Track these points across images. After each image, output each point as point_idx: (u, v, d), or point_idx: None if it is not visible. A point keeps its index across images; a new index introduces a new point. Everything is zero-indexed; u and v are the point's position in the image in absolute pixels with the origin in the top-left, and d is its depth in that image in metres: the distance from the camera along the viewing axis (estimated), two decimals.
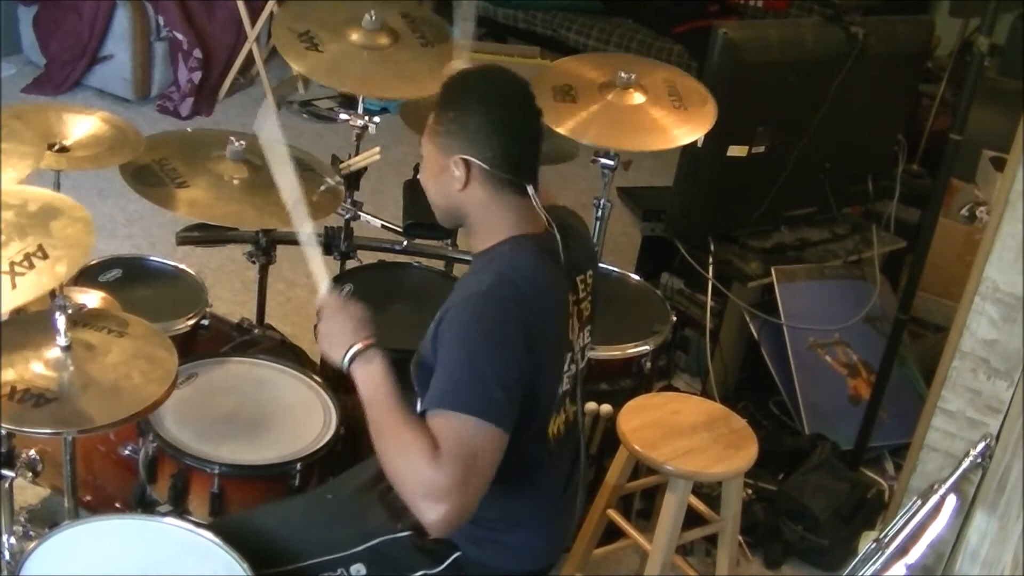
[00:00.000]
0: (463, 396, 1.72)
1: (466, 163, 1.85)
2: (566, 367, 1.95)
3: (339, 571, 1.97)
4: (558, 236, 1.93)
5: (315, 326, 1.94)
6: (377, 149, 2.90)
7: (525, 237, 1.89)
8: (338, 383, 2.47)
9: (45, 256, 1.87)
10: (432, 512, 1.68)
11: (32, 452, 2.13)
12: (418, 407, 1.93)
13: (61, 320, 1.96)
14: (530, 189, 1.90)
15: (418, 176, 1.99)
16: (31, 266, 1.85)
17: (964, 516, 2.20)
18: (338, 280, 2.91)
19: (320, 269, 2.00)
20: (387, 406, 1.79)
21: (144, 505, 2.35)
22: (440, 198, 1.93)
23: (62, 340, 1.97)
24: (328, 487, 2.17)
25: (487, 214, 1.89)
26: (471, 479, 1.69)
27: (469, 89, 1.90)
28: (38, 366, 1.95)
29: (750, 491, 3.09)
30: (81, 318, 2.07)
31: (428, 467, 1.68)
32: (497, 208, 1.89)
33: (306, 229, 2.06)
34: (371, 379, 1.83)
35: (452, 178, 1.87)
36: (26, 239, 1.88)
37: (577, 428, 2.11)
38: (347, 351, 1.85)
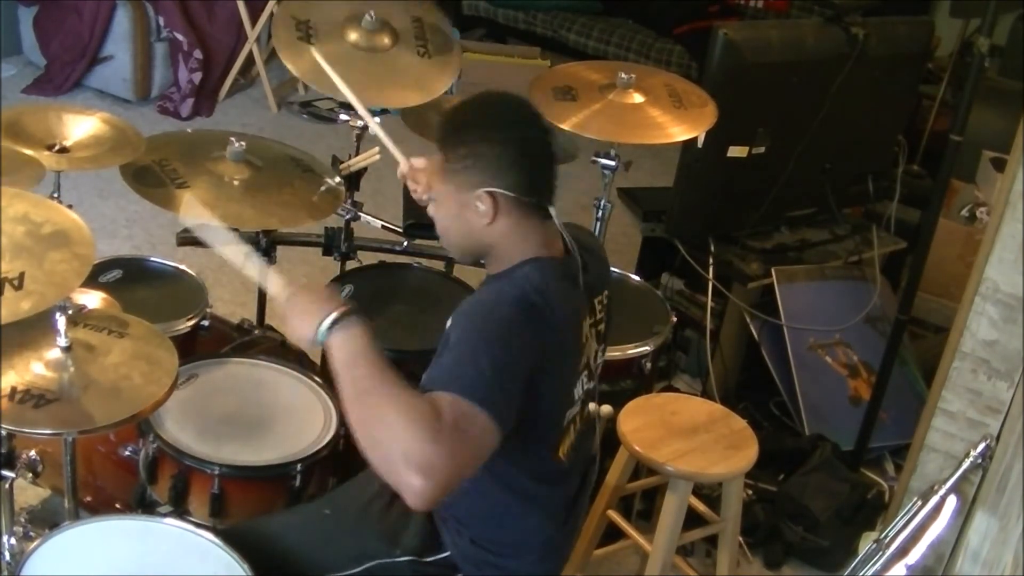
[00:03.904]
0: (467, 382, 1.63)
1: (492, 196, 1.79)
2: (578, 389, 1.92)
3: None
4: (579, 259, 1.91)
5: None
6: (377, 149, 2.90)
7: (546, 260, 1.85)
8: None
9: (20, 287, 1.78)
10: (417, 483, 1.52)
11: (32, 453, 2.13)
12: None
13: (61, 321, 1.96)
14: (552, 211, 1.86)
15: (430, 216, 1.91)
16: (0, 293, 1.76)
17: (964, 517, 2.20)
18: (339, 281, 2.91)
19: (268, 277, 1.86)
20: (377, 369, 1.62)
21: (144, 506, 2.35)
22: (462, 236, 1.87)
23: (62, 341, 1.97)
24: (325, 501, 2.16)
25: (512, 242, 1.84)
26: (463, 461, 1.58)
27: (477, 119, 1.84)
28: (38, 367, 1.95)
29: (750, 492, 3.09)
30: (81, 319, 2.07)
31: (427, 437, 1.54)
32: (522, 235, 1.84)
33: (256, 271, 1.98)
34: (353, 343, 1.65)
35: (476, 214, 1.81)
36: (14, 263, 1.81)
37: (587, 449, 2.08)
38: (322, 320, 1.66)
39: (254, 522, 2.14)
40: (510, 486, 1.85)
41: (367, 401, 1.60)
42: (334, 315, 1.66)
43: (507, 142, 1.81)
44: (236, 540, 1.95)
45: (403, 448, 1.53)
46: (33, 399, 1.88)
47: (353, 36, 2.79)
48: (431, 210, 1.90)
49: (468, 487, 1.76)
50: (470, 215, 1.82)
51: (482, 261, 1.92)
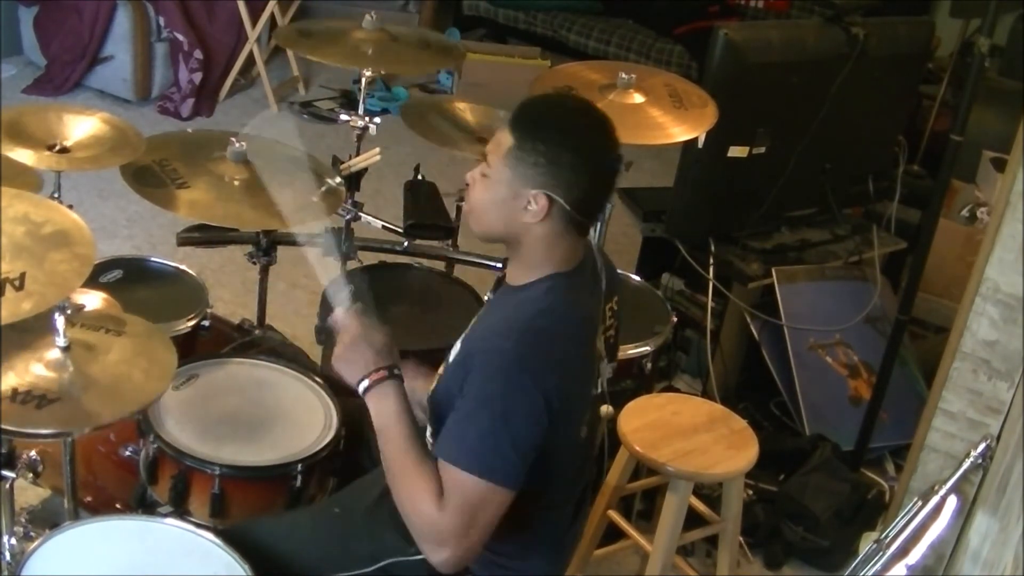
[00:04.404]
0: (476, 456, 1.73)
1: (550, 201, 1.78)
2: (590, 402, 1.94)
3: None
4: (599, 261, 1.92)
5: (323, 338, 1.93)
6: (377, 150, 2.90)
7: (562, 276, 1.84)
8: (339, 385, 2.47)
9: (20, 288, 1.77)
10: (434, 554, 1.75)
11: (33, 453, 2.13)
12: (427, 433, 1.94)
13: (60, 321, 1.95)
14: (592, 232, 1.89)
15: (463, 193, 1.89)
16: (1, 293, 1.75)
17: (965, 517, 2.20)
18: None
19: (336, 283, 1.98)
20: (400, 444, 1.81)
21: (145, 506, 2.35)
22: (499, 222, 1.83)
23: (61, 341, 1.97)
24: (334, 500, 2.16)
25: (543, 248, 1.83)
26: (472, 530, 1.73)
27: (563, 123, 1.81)
28: (38, 367, 1.94)
29: (751, 492, 3.09)
30: (79, 319, 2.06)
31: (433, 512, 1.74)
32: (555, 244, 1.83)
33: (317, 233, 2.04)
34: (385, 413, 1.84)
35: (523, 210, 1.79)
36: (15, 263, 1.80)
37: (590, 454, 2.09)
38: (362, 380, 1.85)
39: (259, 522, 2.14)
40: (519, 497, 1.86)
41: (390, 474, 1.81)
42: (371, 380, 1.84)
43: (585, 158, 1.79)
44: (240, 540, 1.95)
45: (415, 523, 1.77)
46: (35, 400, 1.88)
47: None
48: (472, 177, 1.86)
49: None
50: (517, 207, 1.80)
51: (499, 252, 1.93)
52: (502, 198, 1.81)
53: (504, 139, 1.81)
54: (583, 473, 2.03)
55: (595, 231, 2.94)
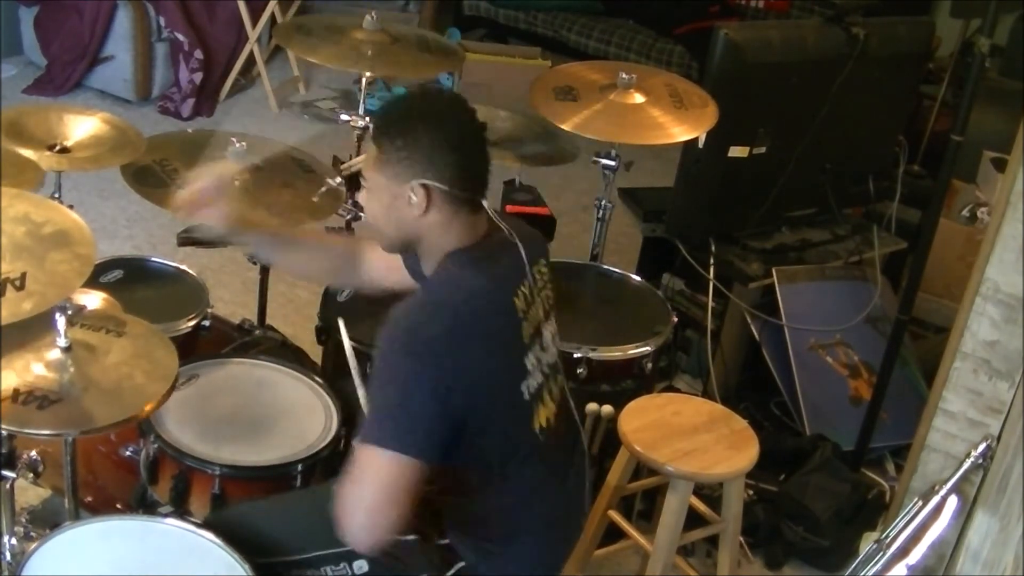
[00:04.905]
0: (381, 431, 1.76)
1: (425, 188, 1.83)
2: (531, 359, 1.93)
3: (342, 565, 1.98)
4: (507, 230, 1.94)
5: None
6: None
7: (460, 251, 1.88)
8: (339, 384, 2.47)
9: (21, 288, 1.78)
10: (346, 530, 1.77)
11: (33, 453, 2.13)
12: None
13: (61, 321, 1.95)
14: (485, 203, 1.90)
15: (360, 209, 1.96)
16: (2, 293, 1.77)
17: (965, 517, 2.20)
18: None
19: None
20: None
21: (145, 506, 2.35)
22: (393, 228, 1.90)
23: (62, 341, 1.97)
24: (334, 481, 2.17)
25: (441, 235, 1.88)
26: (382, 504, 1.75)
27: (412, 112, 1.87)
28: (39, 367, 1.95)
29: (751, 492, 3.09)
30: (79, 319, 2.07)
31: (343, 489, 1.78)
32: (450, 226, 1.87)
33: None
34: None
35: (408, 205, 1.84)
36: (16, 263, 1.81)
37: (570, 426, 2.08)
38: None
39: (256, 502, 2.16)
40: (482, 461, 1.88)
41: None
42: None
43: (442, 136, 1.84)
44: (237, 519, 1.97)
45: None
46: (36, 400, 1.89)
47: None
48: (362, 198, 1.93)
49: (447, 468, 1.83)
50: (402, 206, 1.85)
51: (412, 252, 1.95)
52: (386, 203, 1.87)
53: (371, 151, 1.88)
54: (554, 449, 2.01)
55: (594, 229, 2.95)
